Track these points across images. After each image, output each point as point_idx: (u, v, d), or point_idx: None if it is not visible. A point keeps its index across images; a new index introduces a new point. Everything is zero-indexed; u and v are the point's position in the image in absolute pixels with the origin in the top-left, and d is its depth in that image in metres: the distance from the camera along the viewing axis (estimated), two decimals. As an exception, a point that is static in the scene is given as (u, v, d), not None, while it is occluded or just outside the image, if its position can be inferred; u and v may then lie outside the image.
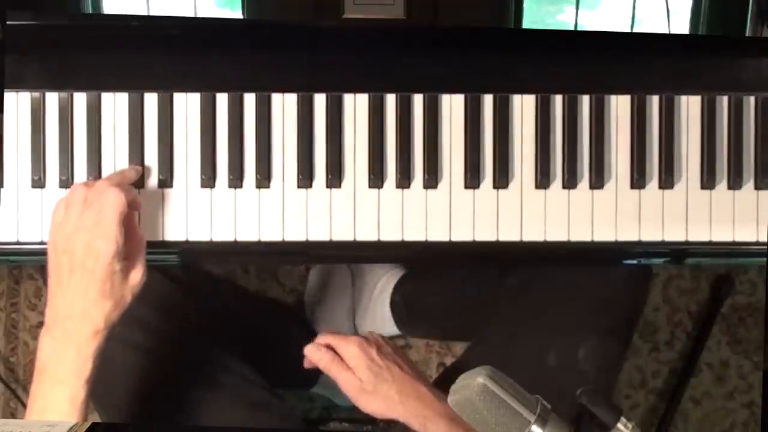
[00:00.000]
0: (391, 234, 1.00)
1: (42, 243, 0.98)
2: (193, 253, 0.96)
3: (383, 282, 1.40)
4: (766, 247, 1.02)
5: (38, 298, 1.60)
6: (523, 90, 1.01)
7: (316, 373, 1.40)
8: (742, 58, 1.03)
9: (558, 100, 1.01)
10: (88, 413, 1.01)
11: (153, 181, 0.99)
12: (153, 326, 1.11)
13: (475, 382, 0.73)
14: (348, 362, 1.01)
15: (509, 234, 1.00)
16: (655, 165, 1.02)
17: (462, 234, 1.00)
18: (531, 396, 0.74)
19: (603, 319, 1.08)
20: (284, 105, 1.00)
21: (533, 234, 1.00)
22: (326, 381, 1.40)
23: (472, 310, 1.25)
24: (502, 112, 1.00)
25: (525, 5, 1.10)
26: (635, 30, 1.14)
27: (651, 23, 1.14)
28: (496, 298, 1.16)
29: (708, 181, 1.01)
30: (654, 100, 1.02)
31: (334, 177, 0.99)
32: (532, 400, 0.74)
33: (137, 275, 0.92)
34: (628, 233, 1.01)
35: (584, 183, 1.01)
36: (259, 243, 0.99)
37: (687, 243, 1.01)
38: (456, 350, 1.57)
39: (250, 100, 1.00)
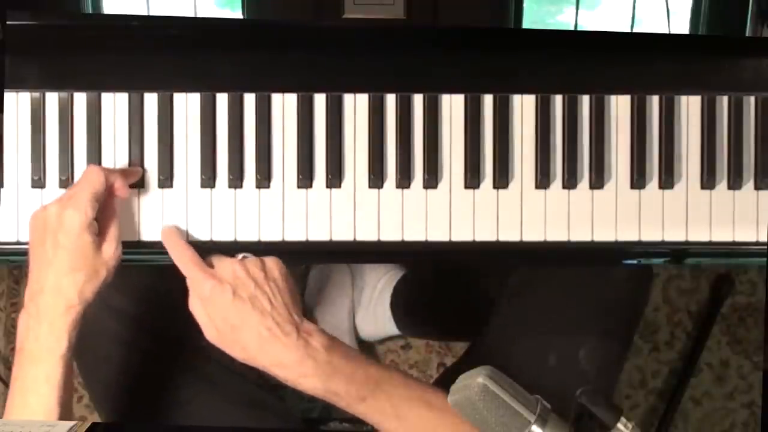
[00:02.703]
0: (391, 234, 1.00)
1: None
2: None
3: (383, 282, 1.40)
4: (766, 247, 1.02)
5: (38, 298, 1.60)
6: (523, 90, 1.01)
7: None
8: (742, 58, 1.03)
9: (558, 100, 1.01)
10: (89, 413, 1.01)
11: (153, 181, 0.99)
12: (151, 326, 1.11)
13: (475, 382, 0.73)
14: (218, 271, 0.92)
15: (509, 234, 1.00)
16: (655, 165, 1.02)
17: (462, 234, 1.00)
18: (531, 396, 0.74)
19: (603, 319, 1.08)
20: (284, 105, 1.00)
21: (533, 234, 1.00)
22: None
23: (472, 310, 1.25)
24: (502, 112, 1.00)
25: (525, 5, 1.10)
26: (635, 30, 1.14)
27: (651, 23, 1.14)
28: (496, 298, 1.16)
29: (708, 181, 1.01)
30: (654, 100, 1.02)
31: (334, 177, 1.00)
32: (532, 400, 0.74)
33: (110, 249, 0.91)
34: (628, 233, 1.01)
35: (584, 183, 1.01)
36: (259, 243, 0.99)
37: (687, 243, 1.01)
38: (456, 350, 1.57)
39: (250, 100, 1.00)
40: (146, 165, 0.99)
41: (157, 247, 0.98)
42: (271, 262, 0.92)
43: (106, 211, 0.92)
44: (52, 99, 0.99)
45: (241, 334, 0.89)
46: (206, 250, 0.95)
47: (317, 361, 0.88)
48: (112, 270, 0.92)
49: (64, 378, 0.89)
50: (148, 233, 0.98)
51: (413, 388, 0.90)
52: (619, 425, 0.72)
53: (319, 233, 0.99)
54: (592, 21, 1.14)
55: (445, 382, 0.85)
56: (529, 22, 1.11)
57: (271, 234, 0.98)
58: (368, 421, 0.90)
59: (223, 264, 0.92)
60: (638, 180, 1.01)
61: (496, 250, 1.01)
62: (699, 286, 1.62)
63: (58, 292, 0.89)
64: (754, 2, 1.07)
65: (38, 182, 0.99)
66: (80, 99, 0.99)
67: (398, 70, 1.00)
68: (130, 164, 0.99)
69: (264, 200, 0.99)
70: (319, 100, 1.00)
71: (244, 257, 0.93)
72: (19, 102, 0.99)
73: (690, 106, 1.02)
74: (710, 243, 1.02)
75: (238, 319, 0.89)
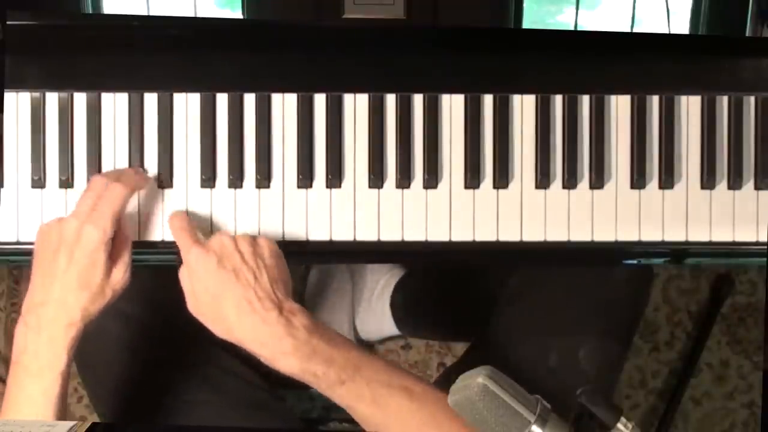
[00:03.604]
0: (391, 234, 1.00)
1: (42, 243, 0.98)
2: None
3: (383, 282, 1.40)
4: (766, 247, 1.02)
5: (38, 298, 1.60)
6: (523, 90, 1.01)
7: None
8: (742, 58, 1.03)
9: (558, 100, 1.01)
10: (89, 413, 1.01)
11: (152, 188, 0.99)
12: (151, 327, 1.11)
13: (475, 382, 0.73)
14: (208, 241, 0.91)
15: (509, 234, 1.00)
16: (655, 165, 1.02)
17: (462, 234, 1.00)
18: (531, 396, 0.74)
19: (603, 319, 1.08)
20: (284, 105, 1.00)
21: (533, 234, 1.00)
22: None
23: (472, 311, 1.25)
24: (502, 112, 1.01)
25: (525, 5, 1.10)
26: (635, 30, 1.14)
27: (651, 23, 1.14)
28: (497, 298, 1.16)
29: (708, 181, 1.01)
30: (654, 100, 1.02)
31: (334, 177, 1.00)
32: (532, 400, 0.74)
33: (119, 273, 0.91)
34: (628, 233, 1.01)
35: (584, 183, 1.01)
36: (259, 243, 0.98)
37: (687, 243, 1.01)
38: (456, 350, 1.57)
39: (250, 100, 1.00)
40: (146, 165, 0.99)
41: (157, 247, 0.98)
42: (263, 241, 0.91)
43: (119, 234, 0.92)
44: (52, 99, 0.99)
45: (222, 305, 0.88)
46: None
47: (297, 340, 0.86)
48: (117, 294, 0.91)
49: (61, 392, 0.88)
50: (148, 233, 0.98)
51: (394, 375, 0.88)
52: (619, 425, 0.72)
53: (319, 233, 0.99)
54: (592, 21, 1.14)
55: (445, 382, 0.85)
56: (529, 22, 1.11)
57: (271, 234, 0.98)
58: (345, 407, 0.88)
59: (215, 236, 0.91)
60: (638, 180, 1.01)
61: (496, 250, 1.01)
62: (699, 286, 1.62)
63: (61, 307, 0.88)
64: (754, 2, 1.06)
65: (38, 182, 0.99)
66: (80, 99, 0.99)
67: (398, 70, 1.00)
68: (130, 164, 0.99)
69: (264, 200, 0.99)
70: (319, 100, 1.00)
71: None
72: (19, 102, 0.99)
73: (690, 106, 1.02)
74: (710, 243, 1.02)
75: (219, 290, 0.88)
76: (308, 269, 1.47)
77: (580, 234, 1.01)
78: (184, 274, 0.90)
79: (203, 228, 0.98)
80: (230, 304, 0.88)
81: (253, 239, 0.91)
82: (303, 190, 1.00)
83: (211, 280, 0.89)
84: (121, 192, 0.91)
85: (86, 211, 0.90)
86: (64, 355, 0.88)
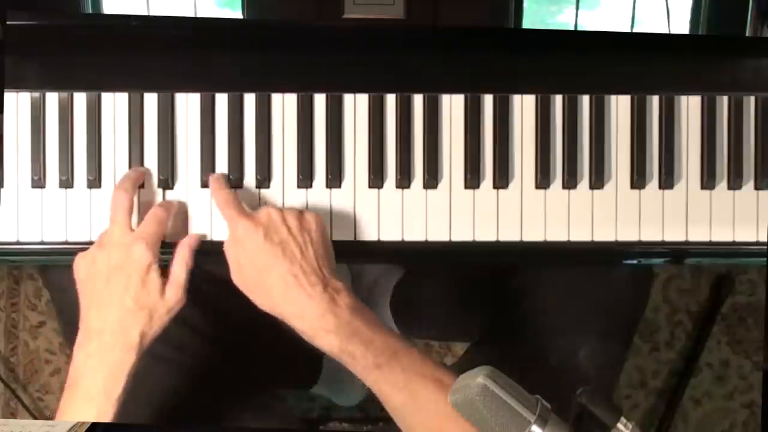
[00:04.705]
0: (391, 234, 1.00)
1: (42, 243, 0.98)
2: (194, 253, 0.96)
3: (383, 282, 1.40)
4: (766, 247, 1.02)
5: (38, 298, 1.61)
6: (523, 90, 1.01)
7: (316, 373, 1.40)
8: (742, 58, 1.03)
9: (558, 100, 1.01)
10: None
11: (153, 181, 0.99)
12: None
13: (475, 382, 0.73)
14: (255, 214, 0.91)
15: (509, 234, 1.00)
16: (655, 165, 1.02)
17: (462, 234, 1.00)
18: (531, 396, 0.74)
19: (603, 319, 1.08)
20: (284, 105, 1.00)
21: (533, 234, 1.00)
22: (326, 381, 1.40)
23: (472, 311, 1.25)
24: (502, 112, 1.01)
25: (525, 5, 1.10)
26: (635, 30, 1.14)
27: (651, 23, 1.13)
28: (496, 298, 1.16)
29: (708, 181, 1.01)
30: (654, 100, 1.02)
31: (334, 177, 1.00)
32: (532, 400, 0.74)
33: (175, 294, 0.91)
34: (628, 233, 1.01)
35: (584, 183, 1.01)
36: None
37: (687, 243, 1.01)
38: (456, 350, 1.57)
39: (250, 100, 1.00)
40: (146, 165, 0.99)
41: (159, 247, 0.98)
42: (310, 215, 0.92)
43: (176, 254, 0.93)
44: (52, 99, 0.99)
45: (267, 278, 0.88)
46: (205, 251, 0.95)
47: (339, 319, 0.86)
48: (173, 313, 0.91)
49: (115, 417, 0.88)
50: (148, 233, 0.98)
51: (428, 366, 0.87)
52: (619, 425, 0.72)
53: (319, 233, 0.99)
54: (592, 21, 1.14)
55: (445, 381, 0.85)
56: (529, 22, 1.11)
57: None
58: (376, 391, 0.87)
59: (262, 209, 0.91)
60: (638, 180, 1.01)
61: (496, 250, 1.01)
62: (699, 286, 1.62)
63: (121, 332, 0.88)
64: (754, 2, 1.06)
65: (38, 182, 0.99)
66: (80, 99, 0.99)
67: (398, 70, 1.00)
68: (130, 164, 0.99)
69: (264, 200, 0.99)
70: (319, 100, 1.00)
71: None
72: (19, 102, 0.99)
73: (690, 106, 1.02)
74: (710, 243, 1.02)
75: (265, 263, 0.88)
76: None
77: (580, 234, 1.01)
78: (230, 246, 0.90)
79: (203, 229, 0.99)
80: (275, 278, 0.88)
81: (300, 213, 0.91)
82: (303, 190, 1.00)
83: (257, 253, 0.88)
84: (162, 211, 0.93)
85: (134, 236, 0.91)
86: (123, 381, 0.88)
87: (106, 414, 0.88)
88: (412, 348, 0.89)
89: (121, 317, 0.88)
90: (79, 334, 0.90)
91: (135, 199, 0.97)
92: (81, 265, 0.92)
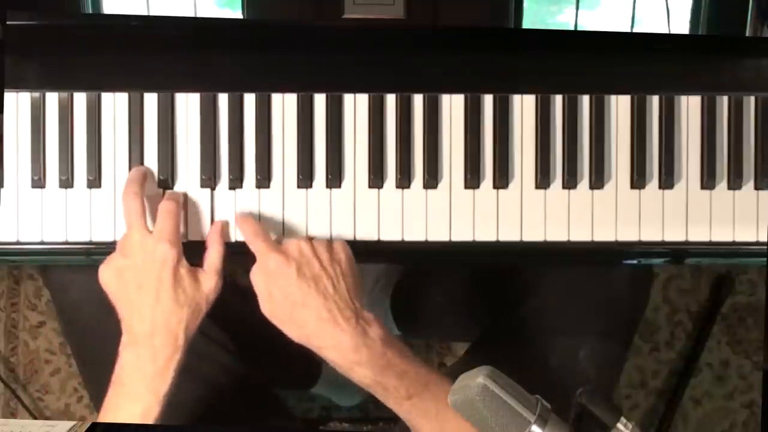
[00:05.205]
0: (391, 234, 1.00)
1: (42, 243, 0.98)
2: (193, 253, 0.96)
3: (383, 282, 1.40)
4: (766, 247, 1.02)
5: (38, 298, 1.61)
6: (523, 90, 1.01)
7: (316, 373, 1.40)
8: (742, 58, 1.03)
9: (558, 100, 1.01)
10: (89, 413, 1.01)
11: (153, 181, 0.99)
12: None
13: (475, 382, 0.73)
14: (285, 247, 0.92)
15: (509, 234, 1.00)
16: (655, 165, 1.02)
17: (462, 234, 1.00)
18: (531, 396, 0.74)
19: (603, 320, 1.08)
20: (284, 105, 1.00)
21: (533, 234, 1.00)
22: (326, 381, 1.41)
23: (472, 311, 1.25)
24: (502, 112, 1.01)
25: (525, 5, 1.10)
26: (635, 30, 1.14)
27: (651, 23, 1.13)
28: (496, 298, 1.16)
29: (708, 181, 1.01)
30: (654, 100, 1.02)
31: (334, 177, 1.00)
32: (532, 400, 0.74)
33: (211, 281, 0.92)
34: (628, 233, 1.01)
35: (584, 183, 1.01)
36: (259, 243, 0.98)
37: (687, 243, 1.01)
38: (456, 350, 1.57)
39: (250, 100, 1.00)
40: (146, 165, 0.99)
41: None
42: (339, 245, 0.93)
43: (209, 241, 0.94)
44: (52, 99, 0.99)
45: (301, 312, 0.89)
46: (203, 250, 0.95)
47: (372, 351, 0.88)
48: (211, 303, 0.92)
49: (160, 415, 0.89)
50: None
51: None
52: (619, 425, 0.72)
53: (318, 233, 0.99)
54: (592, 21, 1.14)
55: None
56: (529, 22, 1.11)
57: (271, 234, 0.98)
58: (407, 420, 0.89)
59: (291, 241, 0.92)
60: (638, 180, 1.01)
61: (496, 250, 1.01)
62: (699, 286, 1.62)
63: (168, 331, 0.89)
64: (754, 2, 1.06)
65: (38, 182, 0.99)
66: (80, 99, 0.99)
67: (398, 70, 1.00)
68: (130, 164, 0.99)
69: (264, 200, 0.99)
70: (319, 100, 1.00)
71: (311, 238, 0.93)
72: (19, 102, 0.99)
73: (690, 106, 1.02)
74: (710, 243, 1.02)
75: (300, 298, 0.89)
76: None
77: (580, 234, 1.01)
78: (258, 278, 0.91)
79: (203, 229, 0.99)
80: (310, 313, 0.89)
81: (329, 244, 0.92)
82: (303, 190, 1.00)
83: (291, 289, 0.89)
84: (174, 204, 0.93)
85: (155, 237, 0.91)
86: (170, 378, 0.90)
87: (153, 410, 0.89)
88: (442, 377, 0.90)
89: (165, 319, 0.89)
90: (124, 337, 0.91)
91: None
92: (108, 276, 0.92)
